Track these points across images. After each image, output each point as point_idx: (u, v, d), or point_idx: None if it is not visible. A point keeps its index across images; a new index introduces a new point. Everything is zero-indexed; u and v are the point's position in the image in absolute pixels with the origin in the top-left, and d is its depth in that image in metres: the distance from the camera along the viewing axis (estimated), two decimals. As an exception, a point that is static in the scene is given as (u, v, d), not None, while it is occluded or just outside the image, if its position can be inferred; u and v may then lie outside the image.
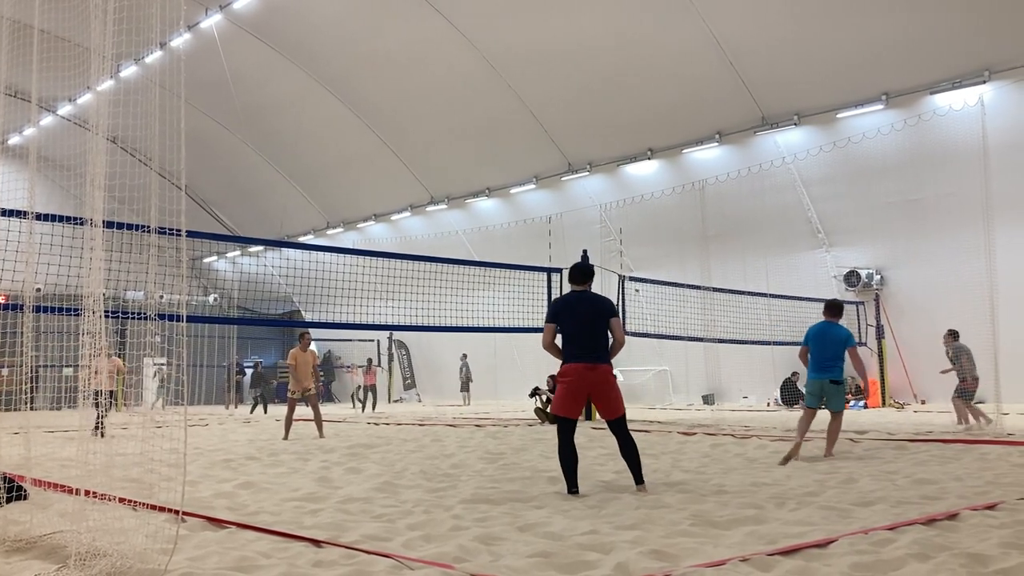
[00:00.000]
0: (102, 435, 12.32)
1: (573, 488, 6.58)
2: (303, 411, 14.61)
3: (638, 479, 6.73)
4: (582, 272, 7.43)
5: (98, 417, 12.45)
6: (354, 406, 27.09)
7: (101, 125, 4.76)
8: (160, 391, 25.97)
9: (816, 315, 21.01)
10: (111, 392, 13.63)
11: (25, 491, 6.17)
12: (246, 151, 30.92)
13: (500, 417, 18.90)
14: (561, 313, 7.20)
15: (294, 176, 32.05)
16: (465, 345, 28.26)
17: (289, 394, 13.97)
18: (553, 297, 17.66)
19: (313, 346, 14.56)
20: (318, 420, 13.77)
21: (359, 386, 27.70)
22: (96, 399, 12.30)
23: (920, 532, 4.72)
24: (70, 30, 5.32)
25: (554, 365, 19.90)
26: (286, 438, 13.26)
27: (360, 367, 28.25)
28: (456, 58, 23.18)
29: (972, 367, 13.64)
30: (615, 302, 17.73)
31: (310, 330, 14.85)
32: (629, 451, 6.81)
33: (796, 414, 19.15)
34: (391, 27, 23.22)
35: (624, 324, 17.75)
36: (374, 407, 25.90)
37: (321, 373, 33.49)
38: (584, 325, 7.01)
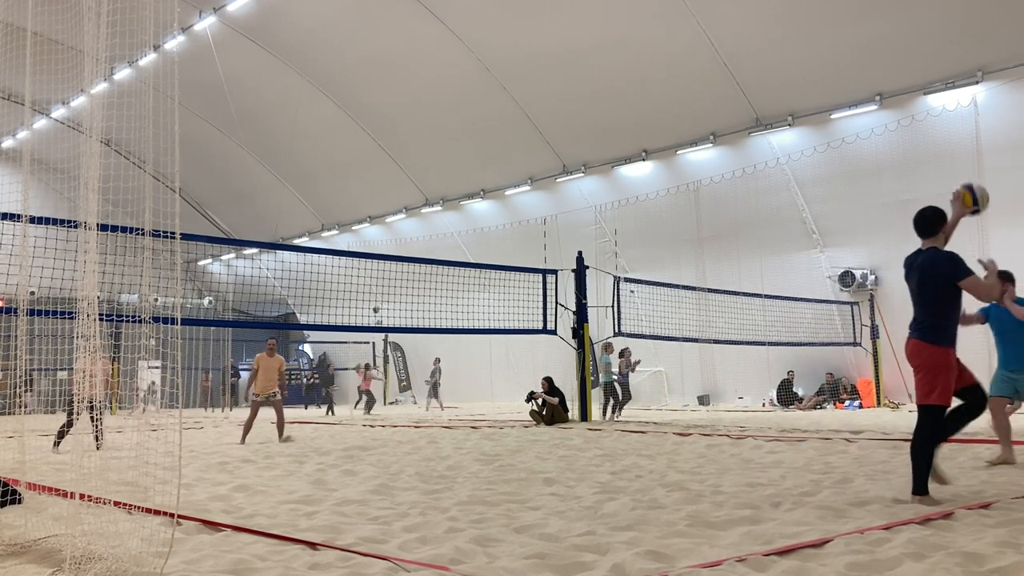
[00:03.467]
0: (98, 446, 12.33)
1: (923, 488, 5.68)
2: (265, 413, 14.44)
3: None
4: (917, 222, 5.91)
5: (95, 427, 12.40)
6: (356, 407, 27.02)
7: (95, 128, 4.76)
8: (151, 395, 25.90)
9: (813, 315, 21.25)
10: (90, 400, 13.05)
11: (20, 495, 6.16)
12: (240, 154, 30.90)
13: (496, 419, 18.89)
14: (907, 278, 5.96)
15: (288, 178, 32.02)
16: (461, 347, 28.23)
17: (252, 397, 13.92)
18: (547, 299, 17.68)
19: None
20: (280, 424, 13.71)
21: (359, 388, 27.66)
22: (90, 406, 12.24)
23: (915, 531, 4.73)
24: (63, 32, 5.31)
25: (551, 366, 19.87)
26: (243, 442, 13.02)
27: (364, 369, 28.23)
28: (450, 60, 23.19)
29: None
30: (610, 304, 17.91)
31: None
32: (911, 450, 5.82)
33: (792, 414, 19.24)
34: (385, 29, 23.23)
35: (619, 325, 17.83)
36: (368, 411, 25.85)
37: (315, 376, 33.56)
38: (912, 292, 5.87)
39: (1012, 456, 7.88)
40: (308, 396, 33.91)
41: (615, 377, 18.68)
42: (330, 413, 25.66)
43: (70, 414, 12.26)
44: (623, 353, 19.31)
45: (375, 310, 22.64)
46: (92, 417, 12.61)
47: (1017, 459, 7.93)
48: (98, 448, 11.87)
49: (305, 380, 34.96)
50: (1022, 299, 8.07)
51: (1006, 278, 8.22)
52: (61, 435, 12.16)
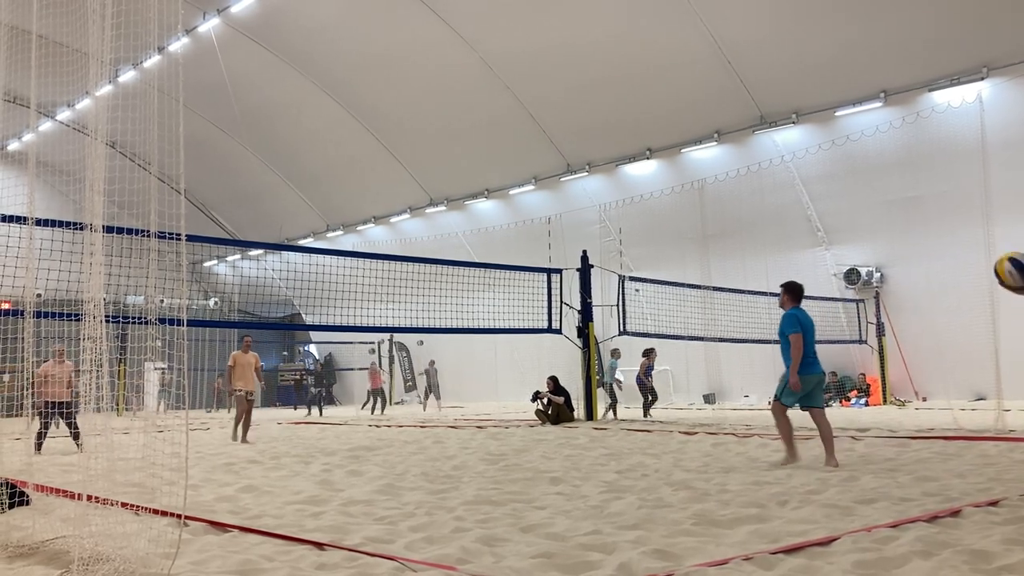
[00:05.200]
0: (38, 449, 12.42)
1: None
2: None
3: None
4: None
5: (71, 429, 12.50)
6: (369, 409, 26.79)
7: (100, 130, 4.77)
8: (161, 395, 26.01)
9: (818, 313, 21.16)
10: (69, 403, 13.03)
11: (27, 496, 6.18)
12: (245, 155, 30.96)
13: (501, 418, 18.90)
14: None
15: (293, 179, 32.07)
16: (466, 347, 28.22)
17: (236, 392, 14.15)
18: (552, 299, 17.66)
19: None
20: (246, 422, 13.96)
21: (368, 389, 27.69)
22: (50, 411, 12.34)
23: (923, 529, 4.71)
24: (68, 35, 5.33)
25: (556, 366, 19.89)
26: (244, 440, 13.52)
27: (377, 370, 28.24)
28: (454, 59, 23.19)
29: None
30: (615, 303, 17.90)
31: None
32: None
33: (797, 413, 19.12)
34: (389, 29, 23.23)
35: (624, 324, 17.82)
36: (382, 410, 25.88)
37: (309, 375, 33.57)
38: None
39: (796, 455, 8.27)
40: (300, 396, 33.64)
41: (619, 379, 18.69)
42: (311, 413, 25.46)
43: (44, 417, 12.32)
44: (647, 353, 19.12)
45: (420, 343, 23.19)
46: (68, 421, 12.72)
47: (803, 456, 8.31)
48: (79, 448, 12.02)
49: (300, 379, 34.88)
50: (791, 314, 8.29)
51: (787, 291, 8.51)
52: (40, 437, 12.26)
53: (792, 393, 8.16)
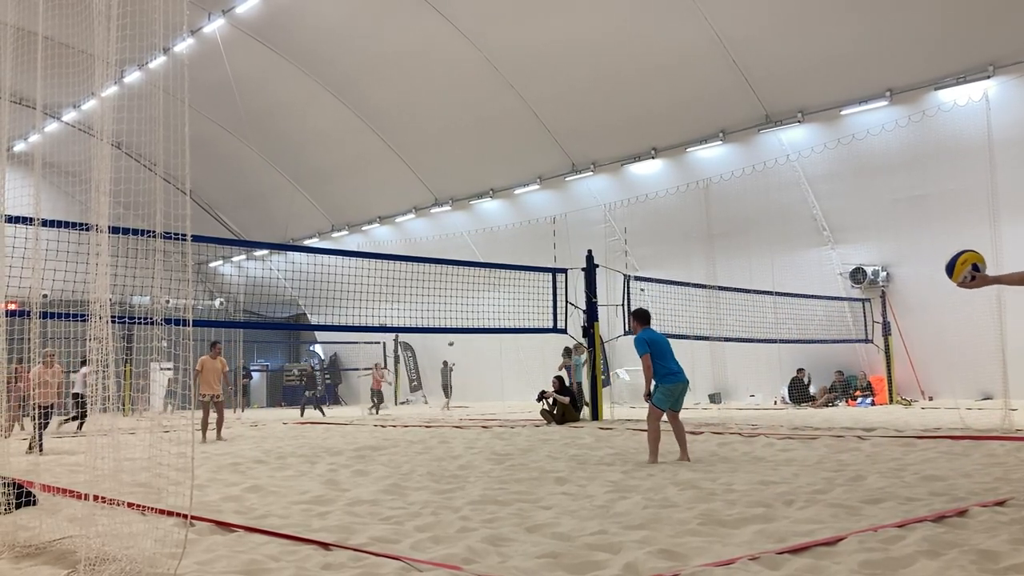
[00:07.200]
0: (41, 450, 12.56)
1: None
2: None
3: None
4: None
5: (37, 432, 12.65)
6: (370, 411, 26.79)
7: (105, 131, 4.78)
8: (168, 396, 26.06)
9: (824, 312, 21.16)
10: (52, 405, 13.06)
11: (34, 496, 6.20)
12: (250, 155, 31.00)
13: (507, 418, 18.89)
14: None
15: (298, 179, 32.10)
16: (471, 347, 28.24)
17: (200, 398, 14.36)
18: (557, 298, 17.65)
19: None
20: (219, 423, 14.51)
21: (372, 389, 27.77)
22: (41, 412, 12.45)
23: (929, 529, 4.70)
24: (73, 36, 5.34)
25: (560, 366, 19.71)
26: (219, 437, 14.22)
27: (383, 369, 28.39)
28: (458, 59, 23.19)
29: None
30: (620, 302, 17.87)
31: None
32: None
33: (803, 412, 19.17)
34: (393, 29, 23.25)
35: (630, 324, 17.79)
36: (377, 410, 25.93)
37: (327, 376, 33.65)
38: None
39: (656, 459, 8.91)
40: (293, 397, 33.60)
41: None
42: (304, 415, 25.41)
43: (37, 419, 12.44)
44: (567, 352, 18.54)
45: (450, 344, 23.79)
46: (46, 422, 12.73)
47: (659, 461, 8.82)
48: (38, 451, 12.10)
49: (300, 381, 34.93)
50: (639, 337, 9.06)
51: (634, 317, 9.45)
52: (41, 438, 12.39)
53: (664, 399, 8.92)
